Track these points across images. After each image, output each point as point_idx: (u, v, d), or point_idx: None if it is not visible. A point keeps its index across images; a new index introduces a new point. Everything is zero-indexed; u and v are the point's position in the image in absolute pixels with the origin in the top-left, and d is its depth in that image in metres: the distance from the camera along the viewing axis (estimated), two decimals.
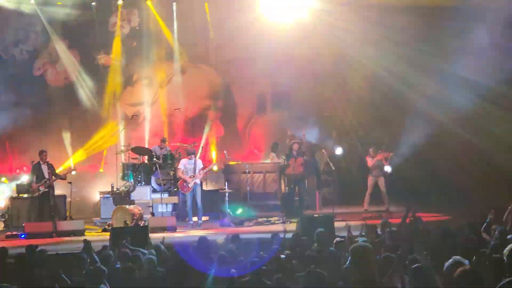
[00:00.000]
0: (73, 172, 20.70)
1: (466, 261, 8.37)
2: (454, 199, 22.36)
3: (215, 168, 21.28)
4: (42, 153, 19.88)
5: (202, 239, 12.55)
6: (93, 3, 24.42)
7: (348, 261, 10.51)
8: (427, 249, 10.54)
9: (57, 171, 20.07)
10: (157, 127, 25.10)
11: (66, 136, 24.13)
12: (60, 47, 24.73)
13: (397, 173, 21.91)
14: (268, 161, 23.37)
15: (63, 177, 20.00)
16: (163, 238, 13.58)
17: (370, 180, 21.19)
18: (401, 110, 23.88)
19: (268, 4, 25.05)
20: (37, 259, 12.15)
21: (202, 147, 24.29)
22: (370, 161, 21.35)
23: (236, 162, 23.19)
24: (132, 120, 23.73)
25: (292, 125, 25.05)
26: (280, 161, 22.70)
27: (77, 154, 23.94)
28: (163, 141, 22.72)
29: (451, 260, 8.59)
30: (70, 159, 20.95)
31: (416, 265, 7.04)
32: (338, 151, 24.02)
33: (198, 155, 22.41)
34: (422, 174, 23.50)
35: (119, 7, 25.07)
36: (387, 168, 21.18)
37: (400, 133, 23.56)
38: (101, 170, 23.67)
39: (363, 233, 13.18)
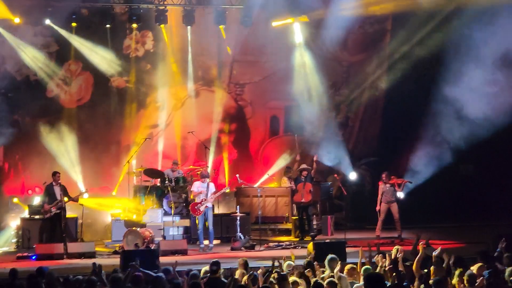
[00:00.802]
0: (85, 195, 20.70)
1: None
2: (469, 225, 22.30)
3: (227, 191, 21.22)
4: (55, 174, 19.94)
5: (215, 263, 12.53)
6: (107, 26, 24.47)
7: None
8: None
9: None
10: (170, 149, 25.10)
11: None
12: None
13: (411, 198, 21.81)
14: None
15: (75, 199, 20.03)
16: (176, 262, 13.51)
17: (383, 206, 21.05)
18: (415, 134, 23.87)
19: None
20: (47, 282, 12.12)
21: (214, 170, 24.26)
22: (381, 186, 21.22)
23: (248, 186, 23.18)
24: (145, 143, 23.74)
25: (306, 148, 25.04)
26: (292, 185, 22.66)
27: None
28: (174, 163, 22.72)
29: None
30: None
31: None
32: (352, 176, 23.94)
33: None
34: (436, 199, 23.47)
35: (134, 30, 25.14)
36: (400, 194, 21.06)
37: (415, 159, 23.51)
38: (113, 193, 23.64)
39: (372, 260, 13.10)
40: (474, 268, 11.04)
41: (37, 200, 22.19)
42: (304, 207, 21.79)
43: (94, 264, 12.70)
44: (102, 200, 23.30)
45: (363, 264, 12.86)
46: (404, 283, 10.65)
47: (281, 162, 24.97)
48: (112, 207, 22.40)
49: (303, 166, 22.13)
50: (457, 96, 22.96)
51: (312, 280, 11.30)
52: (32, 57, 24.19)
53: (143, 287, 10.51)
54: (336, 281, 10.78)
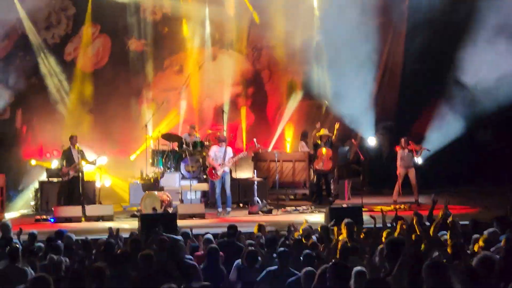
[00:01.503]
0: (103, 158, 20.75)
1: (497, 256, 8.26)
2: (486, 191, 22.26)
3: (245, 155, 21.19)
4: (72, 138, 20.00)
5: (232, 227, 12.56)
6: None
7: (377, 253, 10.47)
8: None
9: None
10: (187, 113, 25.07)
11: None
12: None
13: (429, 163, 21.75)
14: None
15: (92, 163, 20.10)
16: (191, 228, 13.57)
17: (401, 171, 21.00)
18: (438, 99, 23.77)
19: None
20: (65, 244, 12.20)
21: (231, 134, 24.24)
22: (399, 151, 21.16)
23: (265, 150, 23.19)
24: (162, 106, 23.71)
25: (321, 114, 25.01)
26: (309, 149, 22.63)
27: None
28: (192, 128, 22.73)
29: (480, 255, 8.49)
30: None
31: (430, 262, 6.92)
32: (371, 141, 23.88)
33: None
34: (454, 165, 23.41)
35: None
36: (418, 160, 21.00)
37: (433, 124, 23.43)
38: (131, 158, 23.69)
39: (389, 225, 13.08)
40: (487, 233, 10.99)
41: (55, 163, 22.27)
42: (324, 174, 21.72)
43: (110, 228, 12.79)
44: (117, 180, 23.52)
45: (378, 228, 12.85)
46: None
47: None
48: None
49: (325, 131, 21.90)
50: (477, 63, 22.80)
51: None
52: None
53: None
54: None
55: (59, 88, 24.54)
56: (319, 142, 21.72)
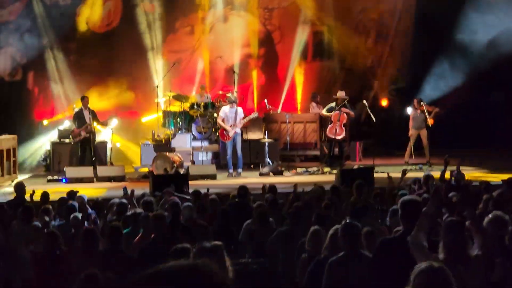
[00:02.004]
0: (114, 120, 20.79)
1: (507, 216, 8.28)
2: (498, 152, 22.24)
3: (255, 116, 21.15)
4: (83, 99, 20.03)
5: (242, 188, 12.60)
6: None
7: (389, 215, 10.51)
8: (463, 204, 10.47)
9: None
10: (198, 74, 25.05)
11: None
12: None
13: (441, 124, 21.70)
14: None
15: (104, 124, 20.15)
16: (208, 189, 13.62)
17: (413, 132, 20.94)
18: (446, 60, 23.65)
19: None
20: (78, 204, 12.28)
21: (242, 95, 24.22)
22: (412, 113, 21.07)
23: (276, 112, 23.17)
24: (174, 68, 23.70)
25: (332, 75, 24.96)
26: (320, 111, 22.57)
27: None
28: (202, 88, 22.70)
29: (491, 215, 8.50)
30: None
31: (449, 219, 6.96)
32: (384, 102, 23.82)
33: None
34: (467, 126, 23.36)
35: None
36: (430, 121, 20.93)
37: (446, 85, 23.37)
38: (143, 119, 23.72)
39: (403, 186, 13.11)
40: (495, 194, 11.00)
41: (66, 124, 22.34)
42: (337, 141, 21.19)
43: (124, 188, 12.84)
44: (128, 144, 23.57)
45: (391, 189, 12.88)
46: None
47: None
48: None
49: (341, 94, 21.43)
50: (491, 22, 22.63)
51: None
52: None
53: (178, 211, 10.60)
54: None
55: (71, 50, 24.53)
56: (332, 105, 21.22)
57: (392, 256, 6.94)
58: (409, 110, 21.25)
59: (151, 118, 23.31)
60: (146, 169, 20.12)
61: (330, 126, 20.89)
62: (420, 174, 14.19)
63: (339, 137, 20.79)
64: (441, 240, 6.40)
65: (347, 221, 7.81)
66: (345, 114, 20.67)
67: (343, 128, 20.77)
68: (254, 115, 20.60)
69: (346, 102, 20.91)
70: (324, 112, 21.29)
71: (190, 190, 13.65)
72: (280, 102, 24.76)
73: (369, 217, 10.32)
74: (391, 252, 6.98)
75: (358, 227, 7.57)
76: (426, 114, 20.82)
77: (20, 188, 13.73)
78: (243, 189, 12.71)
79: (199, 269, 2.13)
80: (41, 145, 23.10)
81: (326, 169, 20.07)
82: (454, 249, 6.28)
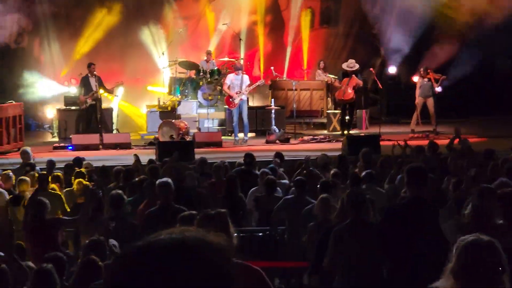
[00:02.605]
0: (121, 87, 20.74)
1: None
2: (504, 120, 22.17)
3: (262, 83, 21.05)
4: (90, 66, 19.98)
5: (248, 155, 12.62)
6: None
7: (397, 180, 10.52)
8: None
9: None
10: (204, 41, 24.94)
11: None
12: None
13: (448, 92, 21.61)
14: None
15: (110, 91, 20.12)
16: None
17: (419, 100, 20.84)
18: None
19: None
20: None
21: (248, 62, 24.12)
22: (418, 81, 20.96)
23: (283, 79, 23.08)
24: (180, 35, 23.59)
25: (339, 43, 24.86)
26: (326, 78, 22.48)
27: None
28: (208, 53, 22.62)
29: (497, 181, 8.51)
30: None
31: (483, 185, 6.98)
32: (392, 70, 23.73)
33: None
34: (473, 94, 23.29)
35: None
36: (438, 89, 20.81)
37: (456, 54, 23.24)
38: (148, 87, 23.64)
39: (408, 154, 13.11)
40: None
41: (73, 91, 22.32)
42: (344, 105, 20.92)
43: (135, 155, 12.91)
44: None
45: (397, 157, 12.87)
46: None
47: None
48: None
49: (351, 61, 21.21)
50: None
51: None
52: None
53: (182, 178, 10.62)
54: None
55: (78, 16, 24.42)
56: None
57: (398, 223, 6.96)
58: (416, 78, 21.14)
59: (157, 90, 23.22)
60: (152, 136, 20.13)
61: (339, 90, 20.69)
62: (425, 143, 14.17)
63: (346, 99, 20.54)
64: (469, 205, 6.36)
65: (352, 189, 7.83)
66: (355, 79, 20.47)
67: (352, 90, 20.51)
68: (260, 82, 20.53)
69: (357, 71, 20.74)
70: (335, 82, 21.19)
71: (196, 157, 13.66)
72: (284, 68, 24.63)
73: (374, 184, 10.34)
74: (397, 220, 7.00)
75: (363, 195, 7.58)
76: (433, 82, 20.71)
77: (26, 154, 13.78)
78: (249, 156, 12.72)
79: (187, 245, 2.09)
80: (47, 113, 23.08)
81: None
82: (481, 216, 6.23)
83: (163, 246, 2.08)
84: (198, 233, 2.14)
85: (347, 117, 20.73)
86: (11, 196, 10.92)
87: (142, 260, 2.07)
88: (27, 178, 11.11)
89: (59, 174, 12.10)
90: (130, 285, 2.05)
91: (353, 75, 20.42)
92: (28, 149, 14.47)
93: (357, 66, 20.74)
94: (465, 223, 6.30)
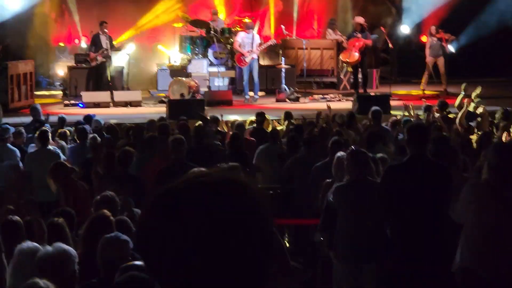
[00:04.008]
0: (131, 44, 20.71)
1: None
2: None
3: (274, 43, 20.96)
4: (102, 24, 19.96)
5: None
6: None
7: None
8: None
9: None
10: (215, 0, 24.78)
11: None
12: None
13: (459, 52, 21.50)
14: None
15: (120, 48, 20.08)
16: (221, 115, 13.67)
17: (429, 60, 20.75)
18: None
19: None
20: (94, 128, 12.38)
21: (259, 21, 24.00)
22: (428, 40, 20.83)
23: (293, 37, 22.99)
24: None
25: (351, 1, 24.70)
26: (337, 37, 22.36)
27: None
28: (214, 13, 22.51)
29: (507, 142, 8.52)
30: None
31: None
32: (405, 29, 23.59)
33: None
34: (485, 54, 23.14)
35: None
36: (450, 48, 20.69)
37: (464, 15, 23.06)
38: (159, 46, 23.56)
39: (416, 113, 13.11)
40: None
41: (83, 48, 22.31)
42: (353, 66, 20.50)
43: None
44: None
45: (406, 117, 12.88)
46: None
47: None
48: None
49: (358, 19, 20.90)
50: None
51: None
52: None
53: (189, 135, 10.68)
54: None
55: None
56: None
57: (399, 181, 7.02)
58: (424, 38, 21.04)
59: (166, 52, 23.12)
60: (162, 94, 20.15)
61: (344, 51, 20.46)
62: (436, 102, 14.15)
63: (350, 61, 20.27)
64: (487, 161, 6.34)
65: (354, 148, 7.88)
66: (362, 40, 20.17)
67: (358, 52, 20.20)
68: (272, 41, 20.48)
69: (364, 29, 20.47)
70: (344, 40, 20.98)
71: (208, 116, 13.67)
72: (293, 27, 24.48)
73: (384, 143, 10.36)
74: (398, 178, 7.06)
75: (365, 154, 7.62)
76: (444, 42, 20.59)
77: (35, 111, 13.84)
78: (260, 115, 12.77)
79: (238, 181, 2.16)
80: (58, 70, 23.09)
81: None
82: (504, 171, 6.20)
83: (215, 181, 2.14)
84: (236, 172, 2.22)
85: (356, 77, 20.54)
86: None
87: (196, 193, 2.12)
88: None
89: (66, 130, 12.17)
90: (179, 215, 2.10)
91: (360, 35, 20.06)
92: (38, 105, 14.53)
93: (363, 23, 20.44)
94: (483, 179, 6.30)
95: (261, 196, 2.17)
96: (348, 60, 20.17)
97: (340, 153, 8.41)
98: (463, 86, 14.18)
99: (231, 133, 11.59)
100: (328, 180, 8.29)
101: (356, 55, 19.80)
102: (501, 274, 6.12)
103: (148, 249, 2.12)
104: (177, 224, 2.08)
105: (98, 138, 10.90)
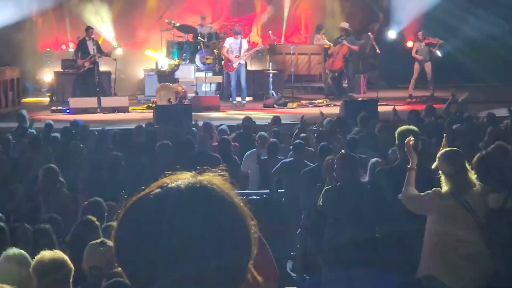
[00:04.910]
0: (118, 49, 20.65)
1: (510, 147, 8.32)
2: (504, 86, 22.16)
3: (261, 48, 20.99)
4: (88, 30, 19.91)
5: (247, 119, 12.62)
6: None
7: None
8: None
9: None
10: (202, 5, 24.77)
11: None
12: None
13: (446, 57, 21.54)
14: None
15: (107, 54, 20.05)
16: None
17: (416, 65, 20.80)
18: None
19: None
20: (81, 134, 12.33)
21: (246, 27, 23.99)
22: (414, 45, 20.91)
23: (281, 43, 23.00)
24: None
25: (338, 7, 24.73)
26: (324, 43, 22.39)
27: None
28: (202, 18, 22.50)
29: (494, 145, 8.52)
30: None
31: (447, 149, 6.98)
32: (392, 34, 23.64)
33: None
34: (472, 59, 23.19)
35: None
36: (437, 53, 20.76)
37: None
38: (146, 51, 23.50)
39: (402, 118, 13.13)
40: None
41: (70, 54, 22.23)
42: (335, 72, 20.83)
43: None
44: None
45: (394, 121, 12.88)
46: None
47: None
48: None
49: (343, 24, 21.10)
50: None
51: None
52: None
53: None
54: None
55: None
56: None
57: (389, 185, 7.04)
58: (410, 43, 21.11)
59: (154, 55, 23.06)
60: (149, 100, 20.12)
61: (328, 59, 20.75)
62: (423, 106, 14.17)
63: (335, 69, 20.56)
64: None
65: (344, 151, 7.88)
66: (346, 47, 20.41)
67: (342, 60, 20.47)
68: (259, 47, 20.50)
69: (349, 34, 20.70)
70: (331, 45, 21.15)
71: (200, 123, 13.62)
72: (282, 32, 24.50)
73: (370, 148, 10.36)
74: (387, 181, 7.08)
75: (355, 158, 7.63)
76: (431, 47, 20.64)
77: (21, 117, 13.79)
78: (248, 120, 12.75)
79: (207, 188, 2.13)
80: (44, 76, 23.01)
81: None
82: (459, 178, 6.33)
83: (185, 189, 2.11)
84: (209, 177, 2.19)
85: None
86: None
87: (164, 201, 2.10)
88: None
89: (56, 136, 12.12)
90: (153, 225, 2.08)
91: (345, 41, 20.33)
92: (24, 112, 14.47)
93: (348, 29, 20.68)
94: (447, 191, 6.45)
95: (238, 202, 2.15)
96: (331, 68, 20.39)
97: (329, 157, 8.42)
98: (451, 92, 14.23)
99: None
100: (319, 185, 8.29)
101: (339, 62, 20.03)
102: (466, 282, 6.25)
103: (125, 259, 2.11)
104: (150, 233, 2.07)
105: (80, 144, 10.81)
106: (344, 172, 7.40)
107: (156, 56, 22.56)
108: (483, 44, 23.36)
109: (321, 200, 7.47)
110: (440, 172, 6.50)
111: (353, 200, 7.31)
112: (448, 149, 6.85)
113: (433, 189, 6.49)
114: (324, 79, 22.46)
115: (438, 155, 6.62)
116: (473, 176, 6.48)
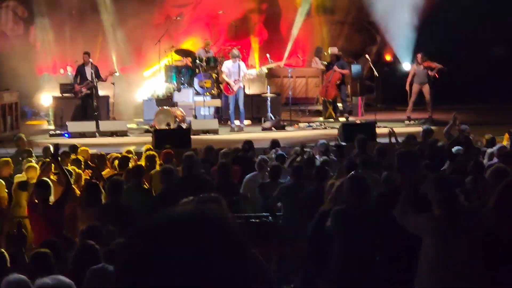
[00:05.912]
0: (116, 74, 20.70)
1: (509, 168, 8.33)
2: (501, 107, 22.20)
3: (263, 72, 21.11)
4: (85, 54, 19.92)
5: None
6: None
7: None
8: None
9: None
10: (200, 29, 24.89)
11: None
12: None
13: (443, 79, 21.60)
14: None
15: (104, 80, 19.99)
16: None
17: (414, 87, 20.83)
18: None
19: None
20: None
21: (244, 50, 24.07)
22: (413, 67, 20.96)
23: (279, 66, 23.07)
24: (175, 22, 23.55)
25: (336, 30, 24.81)
26: (321, 66, 22.48)
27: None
28: (207, 44, 22.56)
29: (493, 167, 8.55)
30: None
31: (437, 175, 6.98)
32: (388, 57, 23.72)
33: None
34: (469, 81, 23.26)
35: None
36: (433, 75, 20.81)
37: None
38: (144, 73, 23.58)
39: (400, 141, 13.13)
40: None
41: (69, 79, 22.26)
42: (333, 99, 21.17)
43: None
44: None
45: (393, 144, 12.88)
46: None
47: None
48: None
49: (333, 50, 21.34)
50: None
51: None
52: None
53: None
54: None
55: (74, 5, 24.34)
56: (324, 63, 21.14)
57: (390, 207, 7.02)
58: (408, 66, 21.18)
59: (153, 71, 23.15)
60: (148, 124, 20.13)
61: (322, 86, 20.96)
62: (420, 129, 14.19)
63: (328, 98, 20.86)
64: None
65: (355, 174, 7.84)
66: (337, 73, 20.62)
67: (335, 87, 20.72)
68: (259, 70, 20.61)
69: (339, 59, 20.91)
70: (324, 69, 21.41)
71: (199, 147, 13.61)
72: (284, 57, 24.61)
73: (370, 170, 10.35)
74: (388, 206, 7.06)
75: (365, 179, 7.56)
76: (429, 70, 20.65)
77: (20, 141, 13.82)
78: (248, 143, 12.79)
79: (208, 215, 2.15)
80: (43, 100, 23.04)
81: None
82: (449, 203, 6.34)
83: (187, 216, 2.13)
84: (210, 206, 2.20)
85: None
86: (18, 182, 10.82)
87: (167, 229, 2.11)
88: (36, 165, 10.93)
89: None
90: (157, 254, 2.09)
91: (335, 67, 20.59)
92: (23, 135, 14.49)
93: (338, 53, 20.90)
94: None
95: (235, 227, 2.16)
96: (325, 98, 20.62)
97: (331, 181, 8.41)
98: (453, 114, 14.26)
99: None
100: (323, 208, 8.29)
101: (332, 90, 20.34)
102: None
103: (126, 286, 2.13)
104: (153, 265, 2.09)
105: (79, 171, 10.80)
106: (353, 194, 7.33)
107: (155, 68, 22.63)
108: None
109: (329, 221, 7.39)
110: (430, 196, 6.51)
111: (359, 224, 7.24)
112: (436, 174, 6.86)
113: (426, 212, 6.49)
114: (322, 102, 22.49)
115: (429, 179, 6.62)
116: (462, 198, 6.49)
